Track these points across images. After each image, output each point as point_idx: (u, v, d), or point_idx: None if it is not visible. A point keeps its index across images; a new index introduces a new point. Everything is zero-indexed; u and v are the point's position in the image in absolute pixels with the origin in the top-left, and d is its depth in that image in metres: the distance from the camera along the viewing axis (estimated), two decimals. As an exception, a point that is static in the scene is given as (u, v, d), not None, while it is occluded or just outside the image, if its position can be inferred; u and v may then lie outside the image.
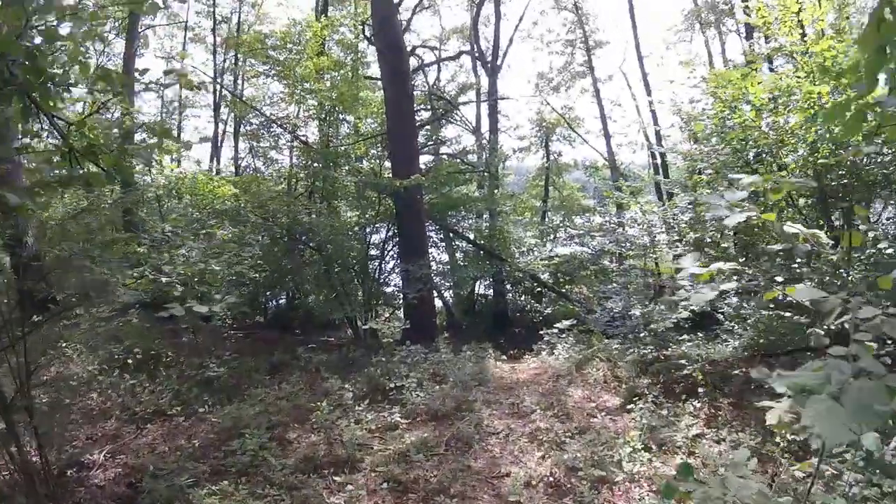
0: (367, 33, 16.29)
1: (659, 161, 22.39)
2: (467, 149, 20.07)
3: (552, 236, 21.40)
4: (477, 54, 21.98)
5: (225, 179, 14.73)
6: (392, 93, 12.62)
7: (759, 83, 7.14)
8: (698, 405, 6.43)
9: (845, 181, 7.21)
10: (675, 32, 23.65)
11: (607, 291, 12.33)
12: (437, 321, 16.97)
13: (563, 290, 15.76)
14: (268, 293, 14.28)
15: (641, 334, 8.34)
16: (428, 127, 18.06)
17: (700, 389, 6.60)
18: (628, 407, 6.63)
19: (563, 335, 10.03)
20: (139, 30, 16.17)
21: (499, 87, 21.49)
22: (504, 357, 10.40)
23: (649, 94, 22.39)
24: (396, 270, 13.13)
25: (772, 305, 6.76)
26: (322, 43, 15.40)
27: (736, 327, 8.62)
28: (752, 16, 8.66)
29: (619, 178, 23.13)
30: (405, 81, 12.99)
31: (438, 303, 16.48)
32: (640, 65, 22.39)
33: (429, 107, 18.48)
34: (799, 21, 7.50)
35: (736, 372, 7.04)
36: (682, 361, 7.00)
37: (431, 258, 16.53)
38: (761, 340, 7.94)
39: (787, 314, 6.59)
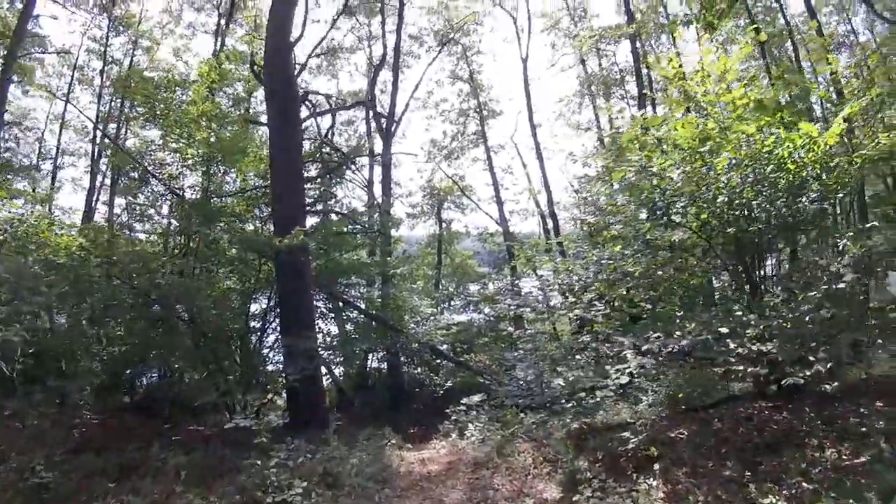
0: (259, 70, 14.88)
1: (551, 225, 22.67)
2: (358, 210, 18.90)
3: (447, 304, 20.54)
4: (372, 118, 21.34)
5: (69, 226, 12.34)
6: (279, 139, 11.07)
7: (687, 124, 6.67)
8: (654, 482, 5.37)
9: (762, 226, 6.93)
10: (567, 103, 24.53)
11: (512, 359, 11.40)
12: (328, 401, 15.14)
13: (463, 360, 14.55)
14: (130, 369, 11.96)
15: (568, 404, 7.27)
16: (318, 181, 16.68)
17: (656, 466, 5.57)
18: (574, 499, 5.40)
19: (473, 412, 8.77)
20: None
21: (393, 155, 21.00)
22: (408, 444, 8.87)
23: (541, 161, 22.72)
24: (279, 346, 11.34)
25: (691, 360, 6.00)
26: (210, 87, 13.94)
27: (652, 385, 8.07)
28: (657, 72, 8.55)
29: (512, 244, 23.16)
30: (294, 127, 11.57)
31: (329, 380, 14.80)
32: (533, 133, 22.90)
33: (319, 160, 17.18)
34: (707, 74, 7.26)
35: (676, 434, 6.15)
36: (626, 434, 5.95)
37: (319, 330, 14.90)
38: (680, 395, 7.51)
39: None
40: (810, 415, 5.81)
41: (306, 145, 15.93)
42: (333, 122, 19.55)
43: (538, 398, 8.88)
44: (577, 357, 11.14)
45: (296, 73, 14.72)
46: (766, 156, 6.37)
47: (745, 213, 6.98)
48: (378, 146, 20.60)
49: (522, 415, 8.33)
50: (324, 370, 13.74)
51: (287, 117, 11.20)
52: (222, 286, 12.26)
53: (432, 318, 17.09)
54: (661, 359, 5.69)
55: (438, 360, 15.00)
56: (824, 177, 6.38)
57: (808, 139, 6.05)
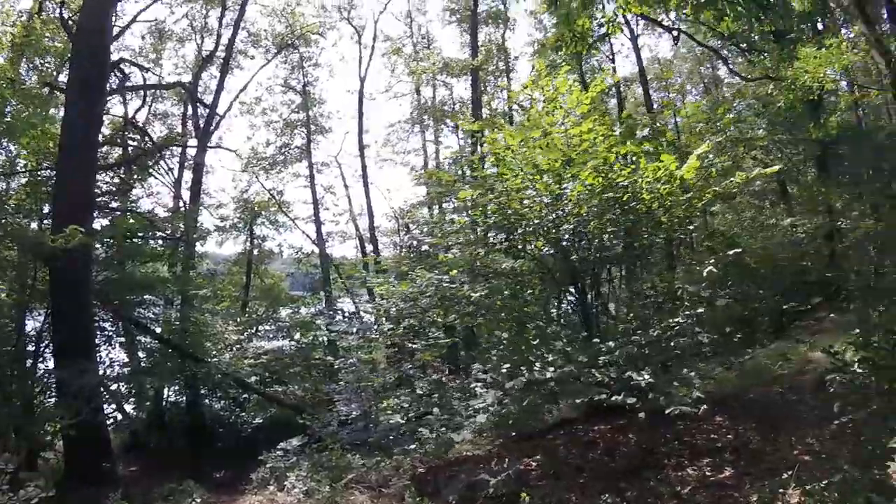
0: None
1: (370, 250, 22.19)
2: (160, 216, 16.36)
3: (255, 329, 18.76)
4: (190, 116, 18.99)
5: None
6: (74, 111, 8.96)
7: (552, 145, 6.58)
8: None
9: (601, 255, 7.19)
10: (397, 130, 24.42)
11: (332, 392, 10.53)
12: (118, 446, 12.61)
13: (274, 394, 13.17)
14: None
15: (411, 445, 6.64)
16: (117, 171, 14.02)
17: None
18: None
19: (293, 458, 7.74)
20: None
21: (210, 151, 18.98)
22: (217, 500, 7.47)
23: (366, 184, 22.27)
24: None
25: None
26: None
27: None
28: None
29: (329, 267, 22.20)
30: (96, 98, 9.40)
31: (117, 420, 12.44)
32: (361, 154, 22.44)
33: (121, 145, 14.48)
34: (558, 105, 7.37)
35: (525, 466, 5.88)
36: (483, 476, 5.46)
37: (105, 360, 12.42)
38: (510, 421, 7.01)
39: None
40: (665, 435, 5.84)
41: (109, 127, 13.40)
42: (145, 100, 16.72)
43: (368, 436, 8.19)
44: (404, 389, 10.68)
45: (114, 37, 12.28)
46: (623, 185, 6.53)
47: (587, 242, 7.13)
48: (192, 150, 18.37)
49: (351, 457, 7.55)
50: (112, 408, 11.44)
51: (88, 85, 9.12)
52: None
53: (238, 345, 15.39)
54: (515, 393, 5.33)
55: (246, 394, 13.40)
56: (674, 210, 6.64)
57: (666, 171, 6.25)
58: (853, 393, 4.33)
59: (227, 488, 8.56)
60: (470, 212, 7.36)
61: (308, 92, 22.85)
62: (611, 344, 5.53)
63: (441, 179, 8.57)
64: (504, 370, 5.55)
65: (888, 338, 4.29)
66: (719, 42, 14.73)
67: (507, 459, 6.07)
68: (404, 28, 24.33)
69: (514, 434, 6.97)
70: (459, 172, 16.82)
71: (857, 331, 4.97)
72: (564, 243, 7.23)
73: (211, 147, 18.64)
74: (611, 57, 21.62)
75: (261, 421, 12.25)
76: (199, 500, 6.57)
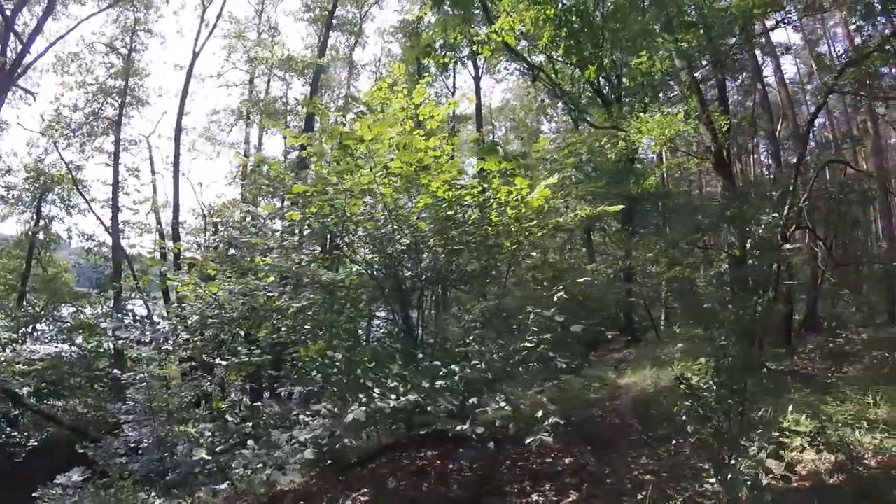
0: None
1: (170, 247, 19.97)
2: None
3: (31, 329, 15.73)
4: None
5: None
6: None
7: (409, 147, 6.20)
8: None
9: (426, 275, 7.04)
10: (219, 122, 22.46)
11: (118, 412, 8.96)
12: None
13: (53, 413, 10.98)
14: None
15: (221, 485, 5.70)
16: None
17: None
18: None
19: (73, 497, 6.38)
20: None
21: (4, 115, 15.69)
22: None
23: (177, 173, 20.17)
24: None
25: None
26: None
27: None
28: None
29: (122, 260, 19.51)
30: None
31: None
32: (176, 138, 20.27)
33: None
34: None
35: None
36: None
37: None
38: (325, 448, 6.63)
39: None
40: (502, 461, 5.75)
41: None
42: None
43: (164, 468, 7.04)
44: (204, 411, 9.42)
45: None
46: (471, 204, 6.42)
47: (423, 259, 6.93)
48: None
49: (145, 495, 6.39)
50: None
51: None
52: None
53: (10, 346, 12.69)
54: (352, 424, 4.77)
55: (17, 410, 11.01)
56: (518, 235, 6.66)
57: (517, 196, 6.23)
58: (697, 415, 4.60)
59: None
60: (305, 210, 6.68)
61: (133, 59, 20.19)
62: (454, 367, 5.29)
63: (268, 167, 7.74)
64: (337, 397, 5.01)
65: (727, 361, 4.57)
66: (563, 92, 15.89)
67: (329, 495, 5.53)
68: (253, 14, 22.65)
69: (329, 462, 6.37)
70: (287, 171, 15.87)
71: (705, 358, 5.38)
72: (399, 257, 6.95)
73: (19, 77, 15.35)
74: (452, 91, 22.21)
75: (36, 444, 10.08)
76: None
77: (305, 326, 6.78)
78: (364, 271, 7.18)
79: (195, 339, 7.44)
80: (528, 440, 4.32)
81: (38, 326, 15.81)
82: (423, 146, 6.13)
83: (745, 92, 21.44)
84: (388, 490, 5.64)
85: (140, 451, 7.43)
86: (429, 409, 4.73)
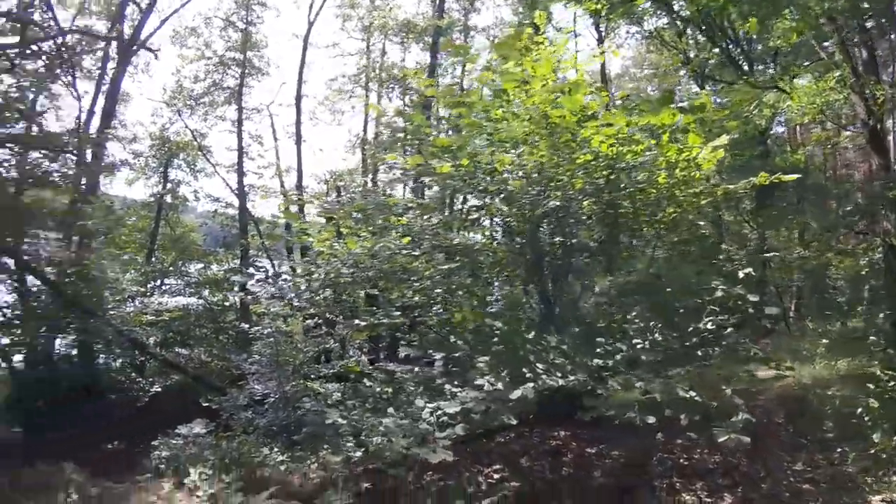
0: None
1: (295, 211, 20.44)
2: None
3: (160, 283, 16.77)
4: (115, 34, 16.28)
5: None
6: None
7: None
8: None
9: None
10: (338, 90, 22.63)
11: (245, 365, 9.10)
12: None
13: (179, 363, 11.50)
14: None
15: (356, 453, 5.51)
16: None
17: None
18: None
19: (193, 447, 6.44)
20: None
21: (126, 88, 16.72)
22: (97, 491, 6.00)
23: (299, 139, 20.50)
24: None
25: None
26: None
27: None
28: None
29: (248, 222, 20.31)
30: None
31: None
32: (297, 103, 20.50)
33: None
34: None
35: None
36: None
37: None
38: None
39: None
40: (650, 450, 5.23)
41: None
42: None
43: (287, 424, 7.01)
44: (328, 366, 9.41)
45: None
46: (638, 163, 5.72)
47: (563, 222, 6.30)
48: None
49: (268, 451, 6.37)
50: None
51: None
52: None
53: (140, 298, 13.50)
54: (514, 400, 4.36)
55: (144, 357, 11.68)
56: (685, 201, 5.91)
57: (689, 155, 5.49)
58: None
59: (117, 469, 7.18)
60: (452, 164, 6.20)
61: (249, 32, 20.72)
62: (620, 346, 4.75)
63: (408, 122, 7.37)
64: (495, 369, 4.58)
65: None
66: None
67: (460, 467, 5.21)
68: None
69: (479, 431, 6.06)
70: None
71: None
72: (545, 220, 6.33)
73: (139, 48, 16.07)
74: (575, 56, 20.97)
75: (160, 389, 10.65)
76: (75, 497, 5.16)
77: (436, 291, 6.41)
78: (502, 235, 6.70)
79: (323, 295, 7.30)
80: (721, 438, 3.72)
81: (167, 281, 16.87)
82: (586, 91, 5.49)
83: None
84: (521, 469, 5.26)
85: (265, 405, 7.43)
86: (599, 391, 4.16)
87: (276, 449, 6.36)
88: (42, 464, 6.22)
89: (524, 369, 4.22)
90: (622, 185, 5.81)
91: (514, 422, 4.24)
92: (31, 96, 12.29)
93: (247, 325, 12.26)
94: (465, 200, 6.87)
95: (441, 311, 6.72)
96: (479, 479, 5.06)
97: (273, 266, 18.41)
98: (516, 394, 3.87)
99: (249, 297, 15.55)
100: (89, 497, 5.53)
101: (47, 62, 10.60)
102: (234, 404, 7.81)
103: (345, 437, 5.66)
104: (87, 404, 10.96)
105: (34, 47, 9.80)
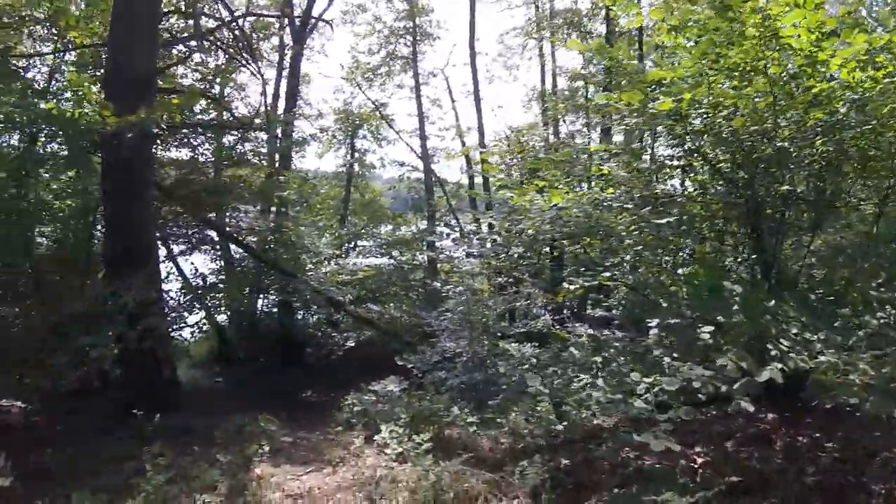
0: None
1: (480, 168, 20.06)
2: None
3: (353, 245, 17.56)
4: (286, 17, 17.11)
5: None
6: None
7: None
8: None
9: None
10: (510, 43, 21.58)
11: (435, 322, 8.75)
12: (206, 354, 11.97)
13: (371, 318, 11.68)
14: None
15: (549, 414, 4.71)
16: (187, 46, 11.45)
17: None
18: None
19: (384, 404, 6.12)
20: None
21: (305, 69, 17.42)
22: (289, 441, 5.99)
23: (477, 97, 19.78)
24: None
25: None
26: None
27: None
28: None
29: (433, 184, 20.37)
30: None
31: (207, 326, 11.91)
32: (472, 61, 19.75)
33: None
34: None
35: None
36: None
37: (192, 266, 11.59)
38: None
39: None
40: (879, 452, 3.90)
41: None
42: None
43: (477, 383, 6.42)
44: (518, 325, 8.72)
45: None
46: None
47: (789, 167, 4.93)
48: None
49: (458, 409, 5.83)
50: (193, 319, 10.55)
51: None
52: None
53: (334, 259, 14.07)
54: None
55: (338, 314, 12.09)
56: None
57: None
58: None
59: (310, 420, 7.48)
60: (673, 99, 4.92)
61: (415, 1, 20.42)
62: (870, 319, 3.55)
63: (611, 57, 6.16)
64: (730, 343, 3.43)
65: None
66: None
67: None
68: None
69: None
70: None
71: None
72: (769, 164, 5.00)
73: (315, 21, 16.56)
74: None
75: (353, 344, 10.95)
76: (266, 449, 5.12)
77: (638, 247, 5.49)
78: (715, 183, 5.42)
79: (519, 251, 6.52)
80: None
81: (359, 243, 17.59)
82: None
83: None
84: (727, 453, 4.25)
85: (456, 364, 6.97)
86: (850, 377, 3.04)
87: (465, 410, 5.84)
88: (241, 414, 6.35)
89: (768, 345, 3.04)
90: (857, 123, 4.36)
91: (752, 408, 3.07)
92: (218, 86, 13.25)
93: (438, 284, 12.12)
94: (679, 143, 5.53)
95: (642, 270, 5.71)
96: (687, 464, 3.99)
97: (460, 225, 18.40)
98: (764, 375, 2.81)
99: (439, 255, 15.65)
100: (280, 447, 5.52)
101: (228, 50, 11.09)
102: (426, 362, 7.54)
103: (543, 404, 4.83)
104: (285, 358, 11.78)
105: (211, 38, 10.18)
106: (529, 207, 5.44)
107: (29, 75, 9.39)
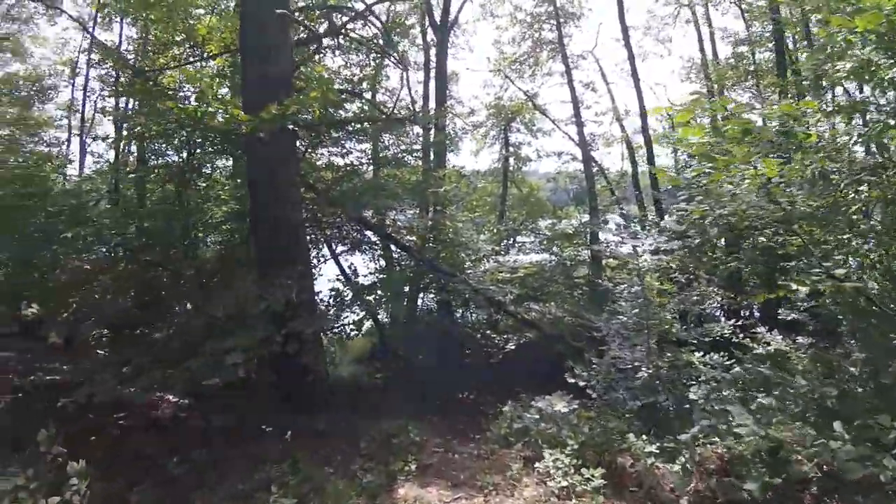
0: None
1: (644, 155, 18.38)
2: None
3: (511, 241, 16.87)
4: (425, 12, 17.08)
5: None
6: None
7: None
8: None
9: None
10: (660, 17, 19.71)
11: (605, 327, 7.65)
12: (365, 350, 12.11)
13: (531, 316, 10.90)
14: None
15: (755, 458, 3.59)
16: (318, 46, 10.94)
17: None
18: None
19: (551, 424, 5.29)
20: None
21: (450, 67, 17.18)
22: (439, 455, 5.42)
23: (635, 75, 18.06)
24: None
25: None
26: None
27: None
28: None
29: (594, 174, 19.01)
30: None
31: (369, 325, 11.80)
32: (625, 35, 18.07)
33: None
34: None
35: None
36: None
37: (350, 266, 11.73)
38: None
39: None
40: None
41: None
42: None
43: (661, 406, 5.38)
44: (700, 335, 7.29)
45: None
46: None
47: None
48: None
49: (634, 437, 4.87)
50: (353, 317, 10.65)
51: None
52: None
53: (493, 257, 13.51)
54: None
55: (499, 315, 11.49)
56: None
57: None
58: None
59: (465, 427, 6.91)
60: None
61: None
62: None
63: None
64: None
65: None
66: None
67: None
68: None
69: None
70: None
71: None
72: None
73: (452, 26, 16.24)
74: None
75: (513, 347, 10.27)
76: (414, 466, 4.62)
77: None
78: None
79: (710, 243, 5.39)
80: None
81: (518, 239, 16.86)
82: None
83: None
84: None
85: (635, 380, 5.90)
86: None
87: (643, 437, 4.86)
88: (391, 419, 6.01)
89: None
90: None
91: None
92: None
93: (605, 281, 11.04)
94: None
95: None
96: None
97: (625, 216, 17.01)
98: None
99: (606, 249, 14.44)
100: (429, 464, 5.02)
101: (368, 44, 11.02)
102: (602, 378, 6.41)
103: (749, 439, 3.72)
104: (443, 358, 11.35)
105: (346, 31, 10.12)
106: (728, 188, 4.32)
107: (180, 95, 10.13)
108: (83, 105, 16.54)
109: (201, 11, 10.68)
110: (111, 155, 14.47)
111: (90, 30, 15.91)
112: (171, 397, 7.16)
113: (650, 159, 17.68)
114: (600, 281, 11.63)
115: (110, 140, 13.40)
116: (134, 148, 12.89)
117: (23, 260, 9.17)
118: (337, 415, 6.63)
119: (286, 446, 4.85)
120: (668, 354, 6.13)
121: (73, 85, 17.54)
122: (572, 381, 6.06)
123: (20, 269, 9.81)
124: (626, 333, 6.83)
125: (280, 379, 6.85)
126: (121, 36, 15.36)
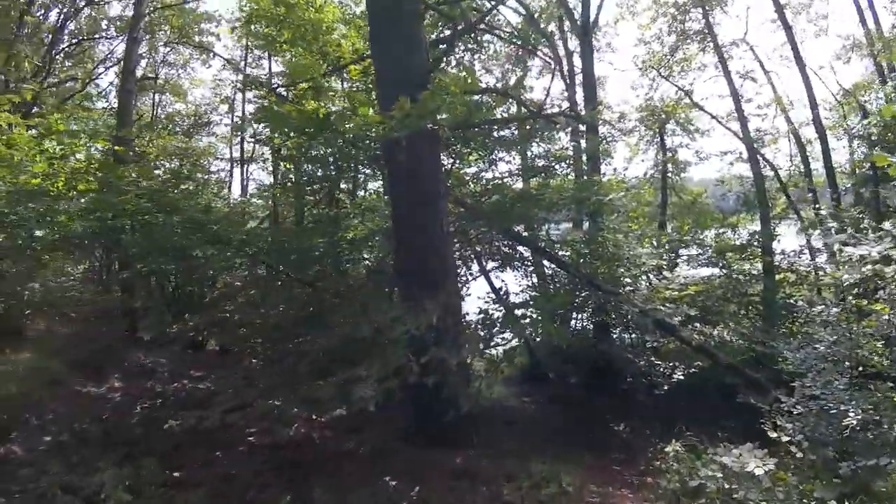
0: None
1: (818, 150, 16.01)
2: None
3: (675, 254, 15.35)
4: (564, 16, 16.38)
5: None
6: None
7: None
8: None
9: None
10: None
11: (798, 359, 6.30)
12: (515, 372, 11.70)
13: (705, 345, 9.56)
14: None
15: None
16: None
17: None
18: None
19: (739, 479, 4.40)
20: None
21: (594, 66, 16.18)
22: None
23: (799, 61, 15.86)
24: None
25: None
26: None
27: None
28: None
29: (762, 175, 16.87)
30: None
31: (520, 343, 11.31)
32: (783, 20, 16.06)
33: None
34: None
35: None
36: None
37: (500, 283, 11.40)
38: None
39: None
40: None
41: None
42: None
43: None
44: None
45: None
46: None
47: None
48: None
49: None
50: (503, 336, 10.28)
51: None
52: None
53: (657, 272, 12.32)
54: None
55: (663, 340, 10.38)
56: None
57: None
58: None
59: (622, 468, 6.35)
60: None
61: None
62: None
63: None
64: None
65: None
66: None
67: None
68: None
69: None
70: None
71: None
72: None
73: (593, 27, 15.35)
74: None
75: (682, 377, 9.17)
76: None
77: None
78: None
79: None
80: None
81: (681, 252, 15.30)
82: None
83: None
84: None
85: (843, 429, 4.74)
86: None
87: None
88: (539, 457, 5.66)
89: None
90: None
91: None
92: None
93: (806, 303, 9.44)
94: None
95: None
96: None
97: (801, 219, 15.09)
98: None
99: (789, 260, 12.70)
100: None
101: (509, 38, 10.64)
102: (806, 428, 5.04)
103: None
104: (597, 383, 10.64)
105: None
106: None
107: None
108: (242, 136, 18.35)
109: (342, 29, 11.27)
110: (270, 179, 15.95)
111: (241, 68, 18.22)
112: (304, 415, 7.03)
113: (825, 154, 15.52)
114: (786, 299, 10.08)
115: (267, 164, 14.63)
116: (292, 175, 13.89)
117: (189, 276, 10.15)
118: (478, 449, 6.21)
119: (417, 483, 4.56)
120: (878, 394, 4.90)
121: (232, 118, 19.69)
122: (773, 434, 5.03)
123: (186, 284, 10.90)
124: (823, 366, 5.64)
125: (416, 412, 6.47)
126: (270, 70, 17.25)
